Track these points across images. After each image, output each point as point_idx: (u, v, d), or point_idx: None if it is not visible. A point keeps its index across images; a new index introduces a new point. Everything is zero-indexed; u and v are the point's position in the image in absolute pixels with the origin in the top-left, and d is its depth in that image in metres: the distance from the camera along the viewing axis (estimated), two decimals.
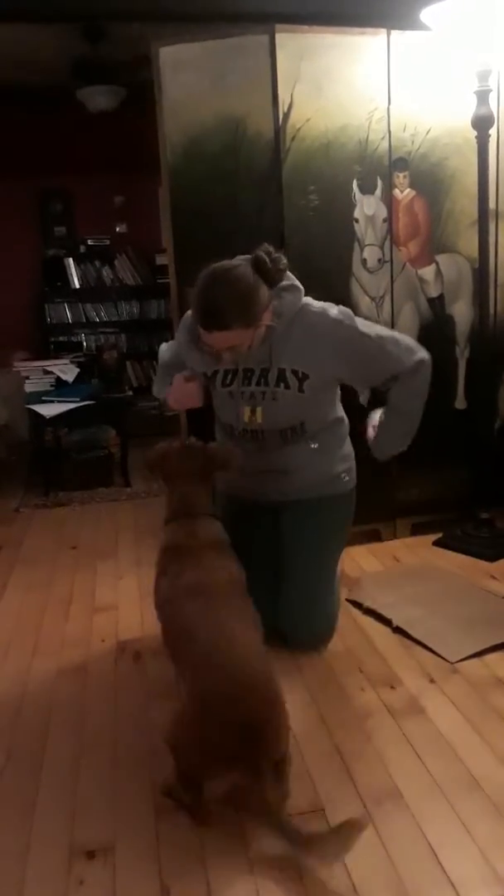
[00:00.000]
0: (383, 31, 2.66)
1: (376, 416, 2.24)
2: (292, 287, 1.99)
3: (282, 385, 2.00)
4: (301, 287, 2.02)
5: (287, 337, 1.96)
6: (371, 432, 2.24)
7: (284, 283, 1.97)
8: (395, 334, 2.10)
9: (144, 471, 2.08)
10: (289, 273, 2.01)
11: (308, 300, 2.03)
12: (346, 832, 1.37)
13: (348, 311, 2.05)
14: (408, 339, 2.10)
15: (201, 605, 1.68)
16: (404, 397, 2.11)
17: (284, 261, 1.93)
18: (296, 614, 2.19)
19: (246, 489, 2.20)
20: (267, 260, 1.88)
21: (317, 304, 2.03)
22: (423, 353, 2.08)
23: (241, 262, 1.89)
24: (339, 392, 2.19)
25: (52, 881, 1.42)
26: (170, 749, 1.54)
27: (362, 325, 2.03)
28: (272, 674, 1.57)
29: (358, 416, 2.34)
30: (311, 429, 2.10)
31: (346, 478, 2.21)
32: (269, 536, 2.23)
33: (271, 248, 1.92)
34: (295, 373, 1.99)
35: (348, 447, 2.26)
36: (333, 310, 2.03)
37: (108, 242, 5.74)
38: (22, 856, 1.48)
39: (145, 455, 2.04)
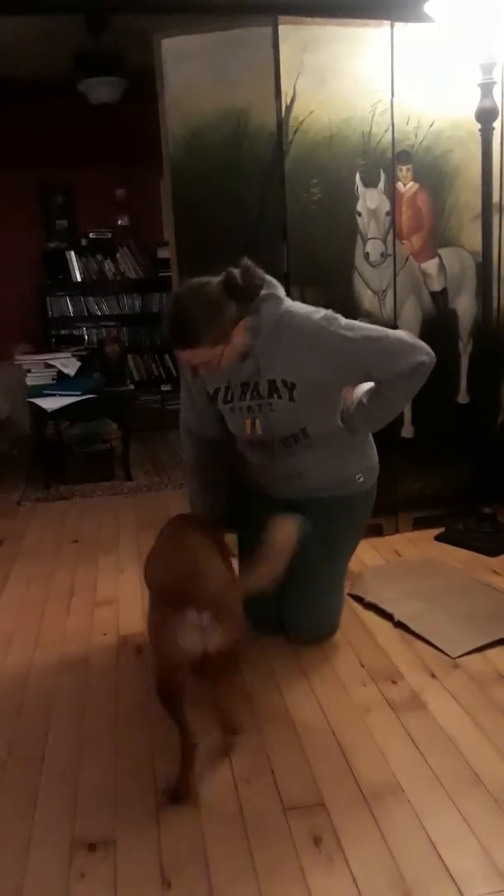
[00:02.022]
0: (387, 23, 2.65)
1: (361, 389, 2.17)
2: (270, 297, 1.94)
3: (274, 396, 1.99)
4: (280, 295, 1.97)
5: (273, 347, 1.94)
6: (350, 400, 2.17)
7: (263, 292, 1.93)
8: (390, 337, 2.00)
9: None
10: (269, 279, 1.97)
11: (290, 306, 1.98)
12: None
13: (333, 315, 1.98)
14: (407, 341, 2.01)
15: (168, 539, 1.95)
16: (393, 391, 2.06)
17: (260, 274, 1.92)
18: (299, 607, 2.19)
19: (264, 487, 2.24)
20: (238, 278, 1.86)
21: (300, 310, 1.98)
22: (421, 357, 1.99)
23: (209, 280, 1.88)
24: (343, 399, 2.13)
25: (52, 874, 1.42)
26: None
27: (348, 329, 1.95)
28: (224, 579, 1.73)
29: None
30: (316, 434, 2.07)
31: (362, 479, 2.20)
32: None
33: (249, 263, 1.91)
34: (284, 382, 1.97)
35: (368, 449, 2.24)
36: (317, 314, 1.96)
37: (109, 235, 5.74)
38: (23, 848, 1.49)
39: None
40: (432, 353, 2.02)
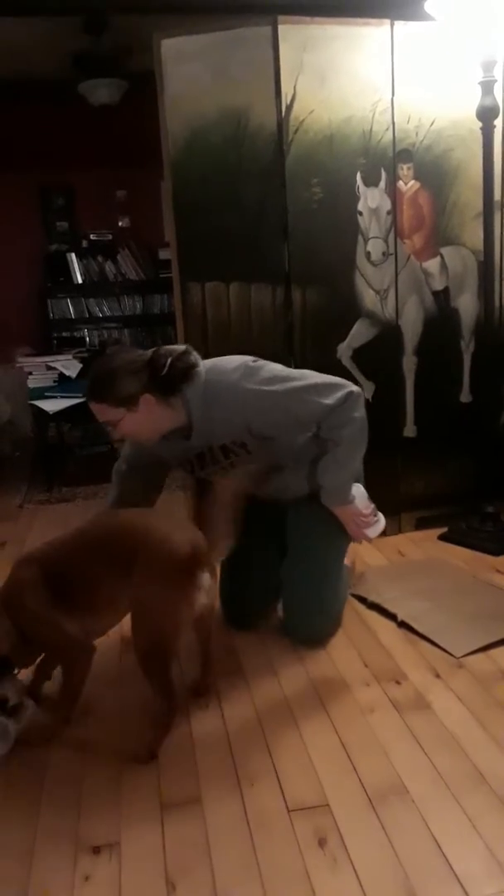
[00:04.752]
0: (387, 22, 2.65)
1: None
2: (190, 376, 1.98)
3: (231, 455, 2.07)
4: (198, 370, 1.99)
5: (209, 419, 2.00)
6: None
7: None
8: (312, 380, 2.00)
9: None
10: (189, 352, 2.00)
11: (208, 373, 2.00)
12: None
13: (251, 367, 1.99)
14: (329, 380, 2.02)
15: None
16: (328, 429, 2.03)
17: (191, 359, 1.98)
18: (293, 605, 2.21)
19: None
20: (165, 363, 1.93)
21: (218, 375, 2.00)
22: (345, 390, 1.99)
23: (138, 353, 1.98)
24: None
25: (57, 877, 1.42)
26: None
27: (269, 379, 1.97)
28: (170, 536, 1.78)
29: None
30: (287, 461, 2.15)
31: None
32: (278, 531, 2.27)
33: (184, 349, 1.99)
34: (234, 443, 2.04)
35: None
36: (235, 373, 1.99)
37: (110, 237, 5.73)
38: (28, 851, 1.48)
39: None
40: (355, 387, 2.02)
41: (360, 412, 2.03)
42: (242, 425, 2.00)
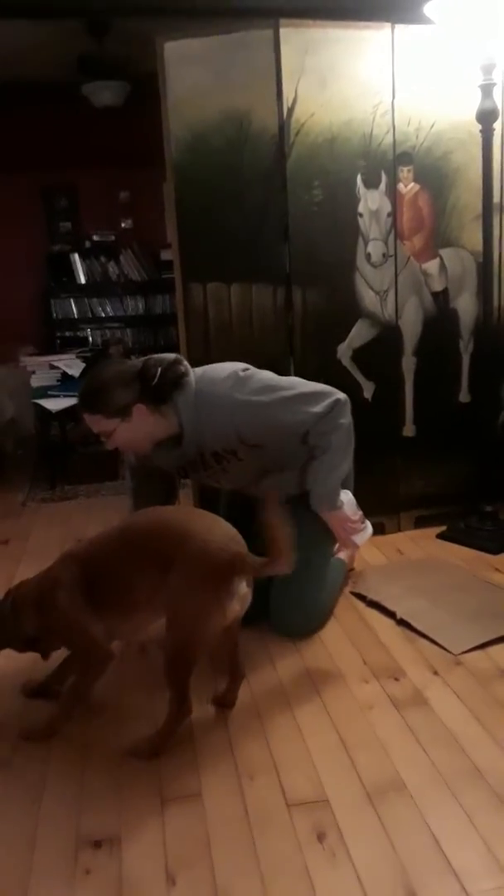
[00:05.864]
0: (387, 25, 2.66)
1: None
2: (181, 385, 2.03)
3: (223, 462, 2.10)
4: (189, 379, 2.04)
5: (199, 428, 2.03)
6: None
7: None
8: (300, 388, 2.05)
9: None
10: (179, 362, 2.05)
11: (199, 381, 2.04)
12: None
13: (241, 377, 2.03)
14: (316, 388, 2.06)
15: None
16: (316, 435, 2.06)
17: (181, 368, 2.03)
18: (277, 599, 2.23)
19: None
20: (156, 374, 1.98)
21: (209, 385, 2.04)
22: (333, 397, 2.03)
23: (128, 363, 2.04)
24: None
25: (58, 871, 1.43)
26: None
27: (259, 389, 2.01)
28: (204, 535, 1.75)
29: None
30: (278, 466, 2.17)
31: None
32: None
33: (174, 358, 2.04)
34: (225, 450, 2.07)
35: None
36: (227, 382, 2.03)
37: (113, 238, 5.76)
38: (28, 846, 1.50)
39: None
40: (342, 394, 2.07)
41: (347, 418, 2.07)
42: (233, 434, 2.03)
